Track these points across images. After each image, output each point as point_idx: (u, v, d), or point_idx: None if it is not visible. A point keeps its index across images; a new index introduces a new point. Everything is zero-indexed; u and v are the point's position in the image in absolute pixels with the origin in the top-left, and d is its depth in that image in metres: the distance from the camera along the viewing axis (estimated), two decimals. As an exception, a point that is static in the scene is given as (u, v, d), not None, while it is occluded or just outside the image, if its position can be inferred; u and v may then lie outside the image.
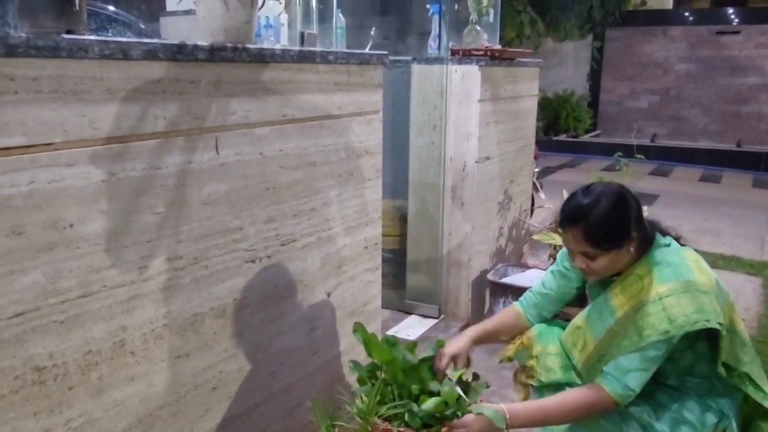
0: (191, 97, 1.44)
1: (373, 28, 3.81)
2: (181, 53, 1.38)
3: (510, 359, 1.90)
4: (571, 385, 1.73)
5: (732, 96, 9.96)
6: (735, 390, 1.62)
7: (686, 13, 10.82)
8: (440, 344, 1.77)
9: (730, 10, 10.23)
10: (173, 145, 1.41)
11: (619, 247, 1.57)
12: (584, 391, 1.58)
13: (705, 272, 1.58)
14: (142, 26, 3.51)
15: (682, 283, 1.53)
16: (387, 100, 2.17)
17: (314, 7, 2.99)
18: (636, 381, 1.52)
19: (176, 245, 1.45)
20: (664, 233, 1.70)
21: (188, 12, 1.82)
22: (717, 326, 1.48)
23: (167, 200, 1.41)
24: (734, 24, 9.91)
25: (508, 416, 1.55)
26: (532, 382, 1.81)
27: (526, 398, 1.86)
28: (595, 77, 11.41)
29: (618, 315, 1.59)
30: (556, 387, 1.76)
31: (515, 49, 3.46)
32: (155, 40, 1.38)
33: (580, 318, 1.75)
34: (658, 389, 1.64)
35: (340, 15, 3.28)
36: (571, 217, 1.60)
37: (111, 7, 3.72)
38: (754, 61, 9.65)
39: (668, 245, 1.65)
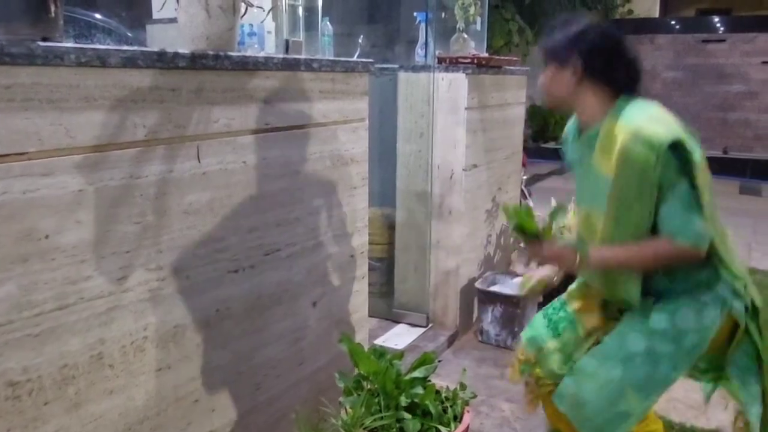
0: (172, 105, 1.41)
1: (361, 36, 3.81)
2: (161, 61, 1.36)
3: (521, 378, 1.86)
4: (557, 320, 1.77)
5: (718, 103, 10.03)
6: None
7: (672, 22, 10.90)
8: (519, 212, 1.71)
9: (716, 19, 10.32)
10: (153, 154, 1.39)
11: (559, 63, 1.64)
12: (664, 243, 1.56)
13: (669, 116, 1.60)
14: (129, 34, 3.48)
15: (649, 115, 1.55)
16: (374, 107, 2.16)
17: (301, 15, 2.98)
18: (696, 225, 1.52)
19: (157, 255, 1.43)
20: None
21: (173, 20, 1.80)
22: (691, 146, 1.50)
23: (147, 210, 1.39)
24: (720, 32, 10.00)
25: (589, 251, 1.61)
26: (550, 389, 1.78)
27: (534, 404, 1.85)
28: (583, 85, 11.45)
29: (610, 177, 1.58)
30: None
31: (502, 57, 3.46)
32: (134, 48, 1.36)
33: (580, 208, 1.76)
34: (650, 311, 1.64)
35: (328, 23, 3.28)
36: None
37: (98, 15, 3.70)
38: (740, 69, 9.74)
39: (634, 100, 1.63)
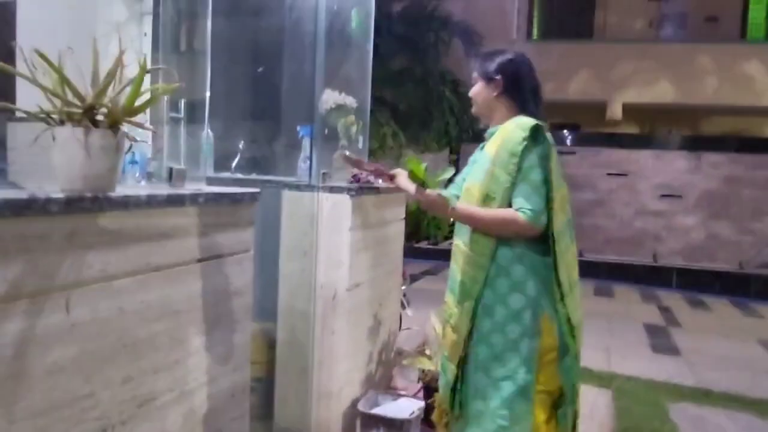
0: (38, 255, 1.28)
1: (243, 144, 3.78)
2: (29, 209, 1.24)
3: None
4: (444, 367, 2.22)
5: (574, 210, 10.94)
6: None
7: (530, 134, 11.91)
8: None
9: (567, 133, 11.44)
10: (13, 310, 1.23)
11: (486, 80, 2.13)
12: (509, 212, 2.00)
13: None
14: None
15: (530, 119, 2.03)
16: (257, 220, 2.10)
17: (183, 131, 2.91)
18: (534, 204, 1.97)
19: (9, 427, 1.24)
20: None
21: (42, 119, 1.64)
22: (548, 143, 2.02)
23: (0, 376, 1.21)
24: (570, 145, 11.06)
25: (456, 204, 2.08)
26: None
27: None
28: (452, 188, 12.08)
29: (492, 155, 2.03)
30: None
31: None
32: None
33: (466, 184, 2.15)
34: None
35: (210, 133, 3.23)
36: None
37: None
38: (590, 180, 10.76)
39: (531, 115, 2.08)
